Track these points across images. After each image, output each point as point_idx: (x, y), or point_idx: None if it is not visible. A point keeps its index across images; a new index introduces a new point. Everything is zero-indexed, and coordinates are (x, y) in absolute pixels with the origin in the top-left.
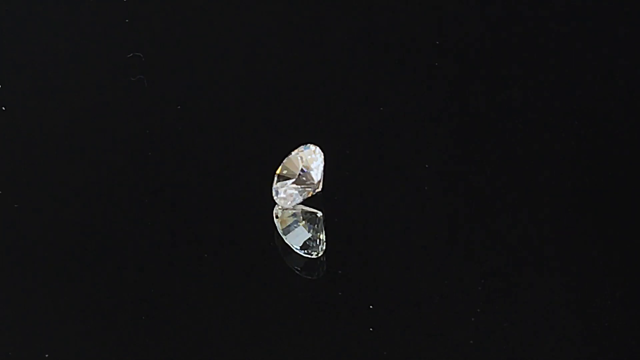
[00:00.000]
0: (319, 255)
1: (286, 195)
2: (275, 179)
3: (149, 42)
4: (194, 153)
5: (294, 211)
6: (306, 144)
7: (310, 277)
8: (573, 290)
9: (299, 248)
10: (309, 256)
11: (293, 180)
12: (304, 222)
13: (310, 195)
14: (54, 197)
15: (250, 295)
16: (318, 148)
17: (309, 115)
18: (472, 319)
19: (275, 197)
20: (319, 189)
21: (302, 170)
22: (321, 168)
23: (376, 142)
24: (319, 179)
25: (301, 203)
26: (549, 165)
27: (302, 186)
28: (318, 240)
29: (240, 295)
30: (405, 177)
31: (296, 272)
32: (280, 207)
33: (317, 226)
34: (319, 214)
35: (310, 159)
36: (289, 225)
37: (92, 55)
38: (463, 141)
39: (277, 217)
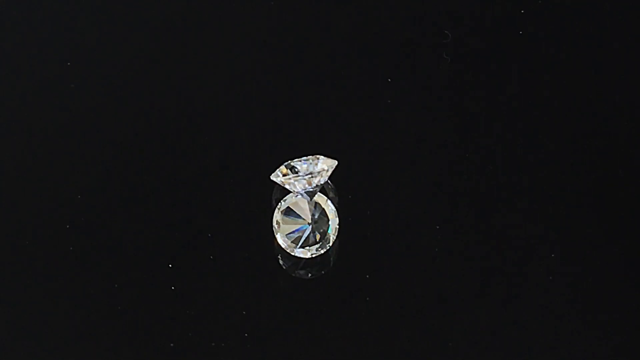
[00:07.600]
0: (315, 255)
1: (279, 173)
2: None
3: (157, 43)
4: (197, 155)
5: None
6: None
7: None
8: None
9: (297, 246)
10: (305, 256)
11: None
12: (304, 222)
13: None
14: (52, 195)
15: (248, 297)
16: (334, 161)
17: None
18: (476, 321)
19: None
20: (320, 180)
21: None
22: (318, 168)
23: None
24: (314, 170)
25: (302, 206)
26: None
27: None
28: (316, 242)
29: (238, 296)
30: (412, 182)
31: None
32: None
33: (317, 228)
34: (316, 215)
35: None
36: (288, 226)
37: (92, 55)
38: (469, 144)
39: (277, 222)
